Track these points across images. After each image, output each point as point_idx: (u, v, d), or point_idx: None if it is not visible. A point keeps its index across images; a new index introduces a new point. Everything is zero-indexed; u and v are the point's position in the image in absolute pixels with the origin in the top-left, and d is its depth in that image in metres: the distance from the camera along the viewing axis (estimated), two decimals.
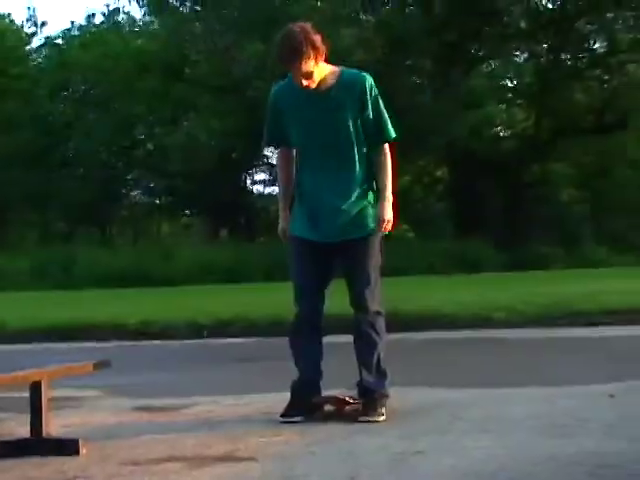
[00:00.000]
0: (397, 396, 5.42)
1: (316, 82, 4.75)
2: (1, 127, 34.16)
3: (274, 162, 31.95)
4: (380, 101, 4.92)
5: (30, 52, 39.69)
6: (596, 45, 28.92)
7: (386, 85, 23.30)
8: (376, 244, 4.94)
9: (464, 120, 23.88)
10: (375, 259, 4.96)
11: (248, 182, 38.51)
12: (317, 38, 4.68)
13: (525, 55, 30.59)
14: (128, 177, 38.25)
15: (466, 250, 23.92)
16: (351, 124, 4.80)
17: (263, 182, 39.32)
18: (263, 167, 38.41)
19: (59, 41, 38.77)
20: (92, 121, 36.40)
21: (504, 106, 31.10)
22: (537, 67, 29.13)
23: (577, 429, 4.36)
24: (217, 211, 34.80)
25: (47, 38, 39.35)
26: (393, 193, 4.93)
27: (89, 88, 36.67)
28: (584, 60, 29.21)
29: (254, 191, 39.97)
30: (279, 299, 12.92)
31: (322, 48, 4.69)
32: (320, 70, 4.74)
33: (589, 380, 5.99)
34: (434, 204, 38.07)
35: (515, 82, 31.31)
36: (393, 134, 4.93)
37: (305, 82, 4.70)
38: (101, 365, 4.87)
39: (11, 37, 37.95)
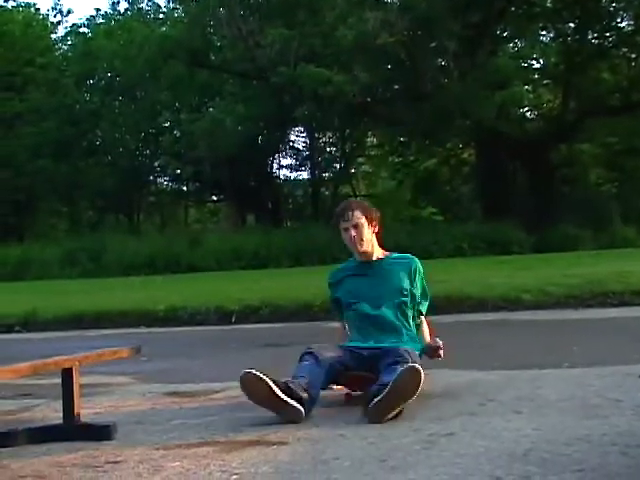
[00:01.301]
0: (427, 379, 5.40)
1: (366, 248, 5.27)
2: (28, 117, 34.36)
3: (299, 147, 31.71)
4: (423, 281, 5.36)
5: (56, 41, 39.86)
6: (623, 23, 28.60)
7: (411, 68, 23.14)
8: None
9: (490, 101, 23.72)
10: None
11: (274, 167, 38.55)
12: (376, 214, 5.36)
13: (551, 35, 30.34)
14: (155, 164, 38.38)
15: (494, 232, 23.82)
16: (395, 289, 5.24)
17: (289, 167, 39.38)
18: (289, 152, 38.44)
19: (84, 29, 38.92)
20: (118, 109, 36.57)
21: (530, 87, 30.86)
22: (563, 47, 28.87)
23: (609, 409, 4.33)
24: (243, 196, 34.85)
25: (72, 26, 39.55)
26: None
27: (114, 76, 36.78)
28: (611, 39, 28.88)
29: (280, 176, 40.05)
30: (306, 284, 12.95)
31: (377, 224, 5.33)
32: (373, 243, 5.32)
33: (620, 360, 5.95)
34: (461, 186, 37.94)
35: (541, 62, 31.08)
36: (427, 308, 5.38)
37: (354, 232, 5.22)
38: (131, 351, 4.89)
39: (37, 26, 38.15)
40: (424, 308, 5.32)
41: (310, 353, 4.83)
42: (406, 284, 5.21)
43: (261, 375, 4.44)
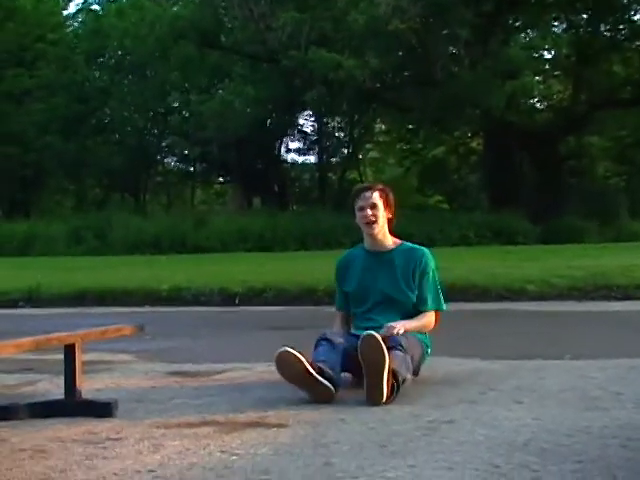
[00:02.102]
0: (429, 366, 5.41)
1: (378, 231, 5.19)
2: (37, 93, 34.35)
3: (307, 130, 31.62)
4: (432, 275, 5.26)
5: (67, 18, 39.80)
6: (636, 16, 28.51)
7: (422, 54, 23.07)
8: None
9: (501, 91, 23.66)
10: None
11: (282, 150, 38.53)
12: (392, 198, 5.25)
13: (563, 26, 30.24)
14: (162, 144, 38.37)
15: (500, 222, 23.82)
16: (403, 283, 5.15)
17: (297, 150, 39.37)
18: (297, 135, 38.42)
19: (95, 7, 38.88)
20: (127, 88, 36.53)
21: (541, 77, 30.77)
22: (575, 38, 28.78)
23: (610, 402, 4.33)
24: (250, 179, 34.85)
25: (84, 3, 39.52)
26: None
27: (125, 54, 36.74)
28: (623, 32, 28.79)
29: (288, 159, 40.05)
30: (311, 268, 12.96)
31: (393, 211, 5.22)
32: (385, 231, 5.23)
33: (622, 354, 5.96)
34: (468, 175, 37.91)
35: (552, 53, 30.98)
36: (432, 307, 5.25)
37: (370, 212, 5.13)
38: (135, 329, 4.90)
39: (48, 3, 38.06)
40: (429, 303, 5.22)
41: (326, 339, 4.83)
42: (413, 279, 5.16)
43: (297, 353, 4.47)
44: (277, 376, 5.12)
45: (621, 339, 6.98)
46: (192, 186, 41.61)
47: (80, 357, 4.46)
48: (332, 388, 4.49)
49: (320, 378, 4.47)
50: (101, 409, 4.35)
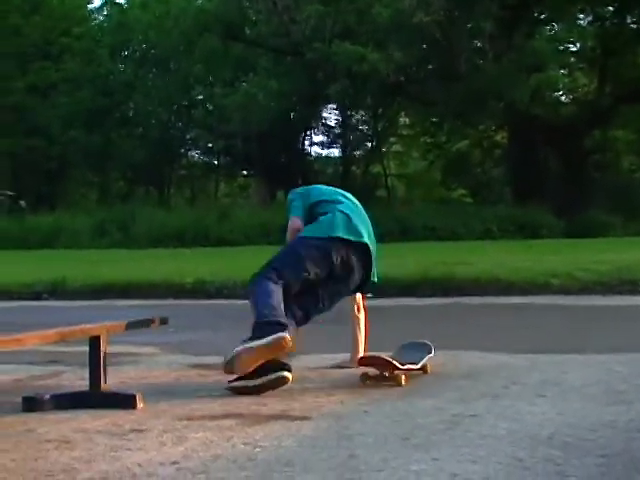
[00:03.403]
0: (452, 359, 5.40)
1: None
2: (63, 87, 34.50)
3: (331, 124, 31.63)
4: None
5: (92, 11, 39.94)
6: None
7: (447, 48, 22.98)
8: None
9: (525, 84, 23.55)
10: None
11: (306, 143, 38.48)
12: None
13: (589, 18, 30.04)
14: (187, 137, 38.44)
15: (524, 216, 23.72)
16: None
17: (320, 144, 39.34)
18: (321, 129, 38.37)
19: (120, 0, 38.98)
20: (151, 81, 36.62)
21: (566, 71, 30.60)
22: (601, 30, 28.58)
23: (635, 396, 4.30)
24: (274, 172, 34.86)
25: None
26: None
27: (149, 48, 36.84)
28: None
29: (311, 153, 39.99)
30: None
31: None
32: None
33: None
34: (492, 169, 37.77)
35: (578, 46, 30.79)
36: None
37: None
38: (159, 322, 4.92)
39: None
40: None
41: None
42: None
43: None
44: (300, 369, 5.14)
45: None
46: (216, 179, 41.67)
47: (105, 349, 4.48)
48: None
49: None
50: (125, 401, 4.38)
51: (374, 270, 5.20)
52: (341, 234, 5.03)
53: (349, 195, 5.49)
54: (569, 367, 5.25)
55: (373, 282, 5.24)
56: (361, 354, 5.29)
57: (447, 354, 5.72)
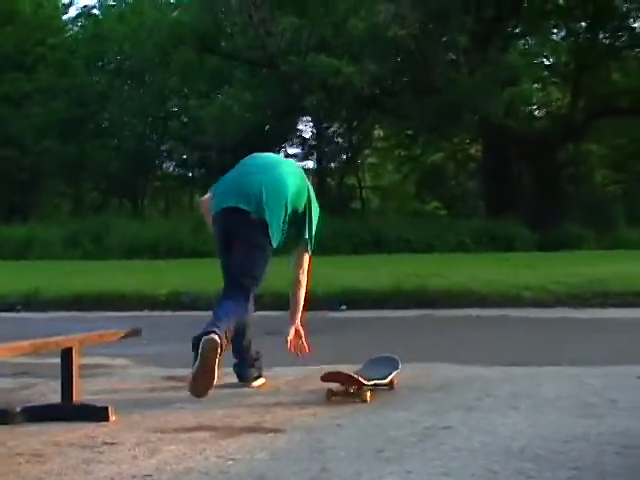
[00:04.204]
0: (425, 372, 5.42)
1: None
2: (37, 97, 34.34)
3: (306, 136, 31.46)
4: None
5: (66, 22, 39.81)
6: (636, 24, 28.51)
7: (421, 61, 22.95)
8: None
9: (499, 98, 23.67)
10: None
11: (281, 155, 38.44)
12: None
13: (563, 33, 30.26)
14: (161, 149, 38.35)
15: (497, 229, 23.81)
16: None
17: (295, 156, 39.33)
18: (296, 141, 38.40)
19: (95, 11, 38.90)
20: (126, 92, 36.53)
21: (539, 85, 30.79)
22: (574, 45, 28.79)
23: (606, 409, 4.34)
24: None
25: (84, 8, 39.55)
26: None
27: (124, 59, 36.74)
28: (623, 39, 28.81)
29: None
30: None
31: None
32: None
33: (619, 361, 5.96)
34: (467, 182, 37.93)
35: (551, 60, 31.01)
36: None
37: None
38: (132, 333, 4.91)
39: (48, 7, 38.07)
40: None
41: None
42: None
43: None
44: (273, 382, 5.14)
45: (618, 346, 6.98)
46: (190, 191, 41.56)
47: (77, 361, 4.46)
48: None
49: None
50: (97, 413, 4.36)
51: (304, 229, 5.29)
52: (213, 212, 5.33)
53: (245, 161, 5.66)
54: (542, 379, 5.27)
55: (307, 240, 5.32)
56: (298, 319, 5.33)
57: (420, 366, 5.74)
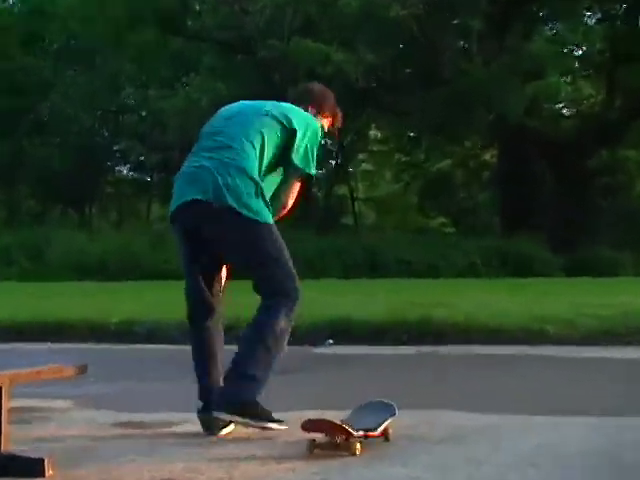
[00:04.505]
0: (428, 420, 5.40)
1: None
2: None
3: None
4: None
5: None
6: None
7: (427, 49, 23.05)
8: None
9: (520, 93, 23.77)
10: None
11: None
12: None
13: (597, 16, 30.41)
14: (114, 148, 38.34)
15: (515, 249, 23.89)
16: None
17: None
18: None
19: None
20: (72, 79, 36.47)
21: (569, 78, 30.93)
22: (610, 32, 28.91)
23: None
24: None
25: None
26: None
27: (69, 39, 36.71)
28: None
29: None
30: None
31: None
32: None
33: None
34: (479, 193, 38.03)
35: (583, 49, 31.12)
36: None
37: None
38: (76, 370, 4.88)
39: None
40: None
41: None
42: None
43: None
44: (244, 430, 5.12)
45: None
46: (148, 199, 41.58)
47: (8, 403, 4.43)
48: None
49: None
50: (31, 467, 4.32)
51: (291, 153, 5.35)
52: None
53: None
54: (565, 431, 5.27)
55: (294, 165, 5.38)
56: None
57: (421, 413, 5.73)
